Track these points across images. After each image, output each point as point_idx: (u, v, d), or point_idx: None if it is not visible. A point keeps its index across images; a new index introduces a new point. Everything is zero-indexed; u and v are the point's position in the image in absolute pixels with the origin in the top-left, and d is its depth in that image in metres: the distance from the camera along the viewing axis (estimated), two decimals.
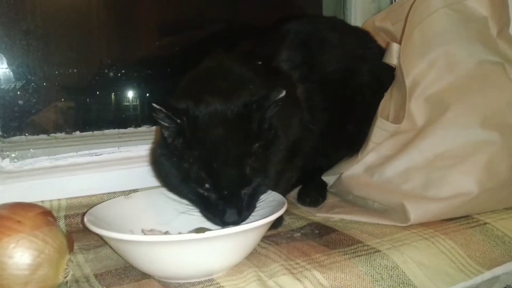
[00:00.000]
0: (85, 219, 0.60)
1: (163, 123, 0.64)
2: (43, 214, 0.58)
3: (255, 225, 0.57)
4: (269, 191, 0.70)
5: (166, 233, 0.69)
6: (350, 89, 0.88)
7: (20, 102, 0.91)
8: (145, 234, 0.67)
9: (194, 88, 0.70)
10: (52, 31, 0.97)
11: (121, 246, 0.59)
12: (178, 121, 0.62)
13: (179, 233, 0.69)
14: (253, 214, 0.67)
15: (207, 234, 0.54)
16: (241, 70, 0.73)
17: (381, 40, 1.04)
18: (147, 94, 1.07)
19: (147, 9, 1.12)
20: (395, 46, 0.86)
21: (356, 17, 1.26)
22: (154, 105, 0.61)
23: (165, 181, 0.71)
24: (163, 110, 0.61)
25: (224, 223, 0.64)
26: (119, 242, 0.58)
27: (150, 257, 0.57)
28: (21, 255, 0.53)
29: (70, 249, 0.59)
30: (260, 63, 0.78)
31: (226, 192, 0.63)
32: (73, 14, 1.01)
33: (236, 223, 0.63)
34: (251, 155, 0.63)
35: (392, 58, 0.86)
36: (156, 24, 1.13)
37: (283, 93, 0.62)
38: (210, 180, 0.62)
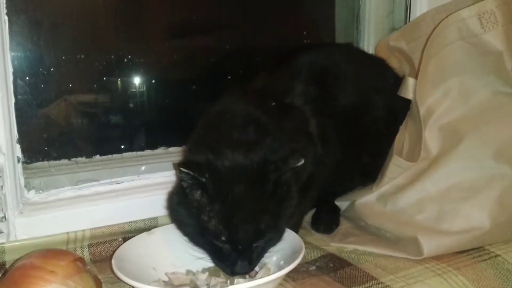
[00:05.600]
0: (113, 265, 0.63)
1: (186, 179, 0.65)
2: (74, 262, 0.61)
3: (280, 275, 0.62)
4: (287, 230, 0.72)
5: (187, 272, 0.72)
6: (365, 122, 0.89)
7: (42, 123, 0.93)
8: (168, 277, 0.70)
9: (213, 139, 0.71)
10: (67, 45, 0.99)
11: None
12: (203, 180, 0.64)
13: (196, 271, 0.72)
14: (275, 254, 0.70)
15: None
16: (257, 115, 0.74)
17: (395, 60, 1.05)
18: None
19: (155, 14, 1.13)
20: (411, 81, 0.87)
21: (370, 31, 1.25)
22: (182, 169, 0.63)
23: (181, 228, 0.73)
24: (190, 173, 0.63)
25: (233, 273, 0.67)
26: None
27: None
28: None
29: None
30: (273, 104, 0.79)
31: (240, 247, 0.65)
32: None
33: (245, 273, 0.67)
34: (267, 212, 0.66)
35: (407, 93, 0.87)
36: (166, 28, 1.13)
37: (302, 161, 0.65)
38: (226, 234, 0.65)
